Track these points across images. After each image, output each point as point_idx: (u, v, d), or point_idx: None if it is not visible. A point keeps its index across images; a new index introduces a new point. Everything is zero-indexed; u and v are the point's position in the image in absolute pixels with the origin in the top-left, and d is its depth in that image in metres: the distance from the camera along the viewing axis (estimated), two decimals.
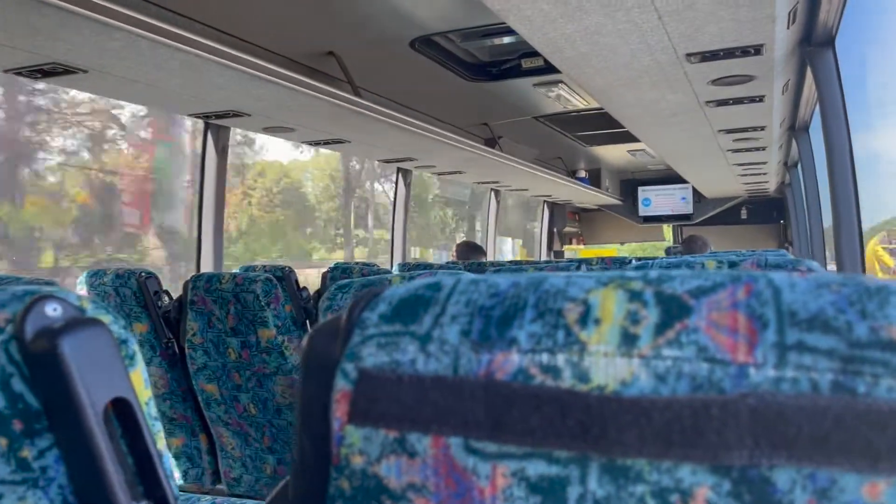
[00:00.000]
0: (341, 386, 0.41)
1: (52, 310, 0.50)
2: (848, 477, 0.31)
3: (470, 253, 4.47)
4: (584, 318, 0.37)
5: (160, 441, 0.55)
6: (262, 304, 2.26)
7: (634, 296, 0.37)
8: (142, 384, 0.55)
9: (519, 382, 0.37)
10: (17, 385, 0.49)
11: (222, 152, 3.30)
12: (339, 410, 0.41)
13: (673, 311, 0.36)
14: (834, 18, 2.46)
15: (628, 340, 0.36)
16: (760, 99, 3.11)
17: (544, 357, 0.37)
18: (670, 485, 0.34)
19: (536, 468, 0.36)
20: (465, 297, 0.41)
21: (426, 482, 0.38)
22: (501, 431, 0.37)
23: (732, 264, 1.29)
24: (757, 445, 0.32)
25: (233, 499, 2.25)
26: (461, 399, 0.38)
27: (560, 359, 0.36)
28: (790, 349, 0.33)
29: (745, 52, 2.40)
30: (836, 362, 0.32)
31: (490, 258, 6.37)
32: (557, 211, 8.42)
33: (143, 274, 2.42)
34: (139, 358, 0.55)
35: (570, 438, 0.35)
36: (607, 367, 0.35)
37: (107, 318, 0.53)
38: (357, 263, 3.52)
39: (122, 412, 0.52)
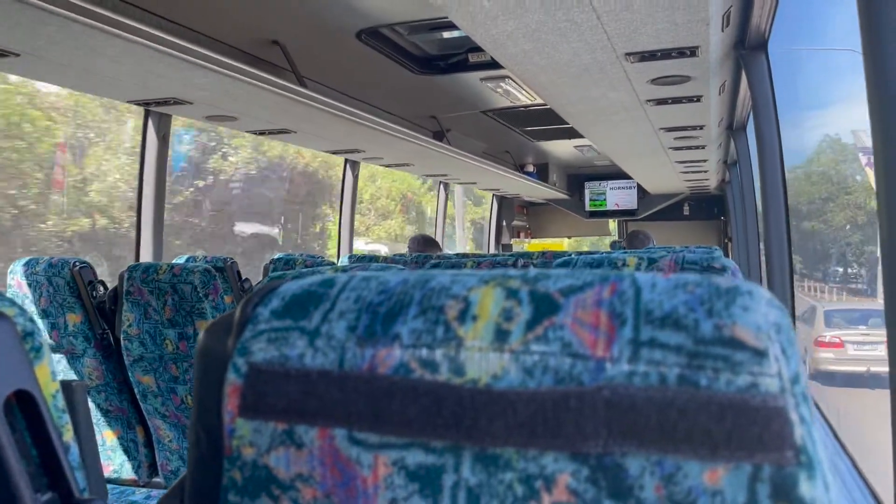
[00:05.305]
0: (232, 380, 0.42)
1: None
2: (691, 464, 0.34)
3: (424, 247, 4.39)
4: (463, 315, 0.39)
5: (67, 433, 0.56)
6: (200, 295, 2.23)
7: (511, 294, 0.39)
8: (48, 377, 0.55)
9: (400, 376, 0.39)
10: None
11: (163, 140, 3.24)
12: (230, 404, 0.42)
13: (543, 308, 0.38)
14: (766, 22, 2.54)
15: (501, 336, 0.38)
16: (698, 99, 3.19)
17: (424, 352, 0.39)
18: (535, 472, 0.36)
19: (415, 457, 0.38)
20: (355, 293, 0.42)
21: (313, 472, 0.40)
22: (383, 423, 0.39)
23: (651, 261, 1.34)
24: (611, 434, 0.35)
25: None
26: (345, 392, 0.39)
27: (438, 353, 0.38)
28: (643, 345, 0.36)
29: (681, 53, 2.46)
30: (682, 357, 0.35)
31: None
32: (506, 204, 8.50)
33: (76, 263, 2.36)
34: (46, 351, 0.55)
35: (444, 429, 0.37)
36: (481, 361, 0.38)
37: (11, 311, 0.53)
38: (301, 255, 3.50)
39: (26, 404, 0.52)
